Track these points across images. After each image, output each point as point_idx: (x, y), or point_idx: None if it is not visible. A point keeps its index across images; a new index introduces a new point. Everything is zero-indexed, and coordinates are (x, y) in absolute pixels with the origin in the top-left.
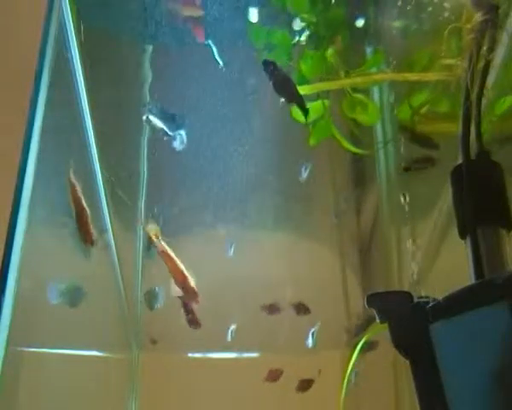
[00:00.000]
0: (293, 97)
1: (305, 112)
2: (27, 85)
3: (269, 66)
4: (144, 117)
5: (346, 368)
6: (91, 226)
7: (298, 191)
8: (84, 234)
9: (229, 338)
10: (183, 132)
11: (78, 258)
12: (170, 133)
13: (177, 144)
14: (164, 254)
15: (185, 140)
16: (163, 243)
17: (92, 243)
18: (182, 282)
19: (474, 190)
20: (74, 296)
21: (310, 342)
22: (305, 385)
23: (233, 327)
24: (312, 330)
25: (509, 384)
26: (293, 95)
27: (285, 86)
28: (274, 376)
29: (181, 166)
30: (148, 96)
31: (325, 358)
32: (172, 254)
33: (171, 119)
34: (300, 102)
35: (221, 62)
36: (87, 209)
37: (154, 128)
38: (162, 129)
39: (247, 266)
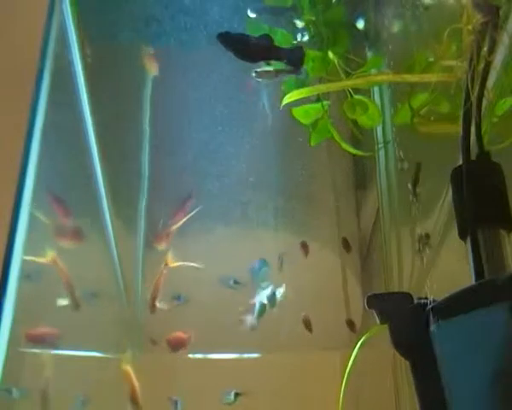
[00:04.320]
0: (275, 54)
1: (298, 65)
2: (28, 86)
3: (226, 38)
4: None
5: (346, 368)
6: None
7: (298, 191)
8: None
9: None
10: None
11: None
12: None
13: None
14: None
15: None
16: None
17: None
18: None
19: (475, 191)
20: None
21: None
22: None
23: None
24: None
25: (509, 385)
26: (273, 52)
27: (260, 48)
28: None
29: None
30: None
31: (325, 358)
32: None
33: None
34: (289, 55)
35: None
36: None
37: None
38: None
39: (247, 266)
